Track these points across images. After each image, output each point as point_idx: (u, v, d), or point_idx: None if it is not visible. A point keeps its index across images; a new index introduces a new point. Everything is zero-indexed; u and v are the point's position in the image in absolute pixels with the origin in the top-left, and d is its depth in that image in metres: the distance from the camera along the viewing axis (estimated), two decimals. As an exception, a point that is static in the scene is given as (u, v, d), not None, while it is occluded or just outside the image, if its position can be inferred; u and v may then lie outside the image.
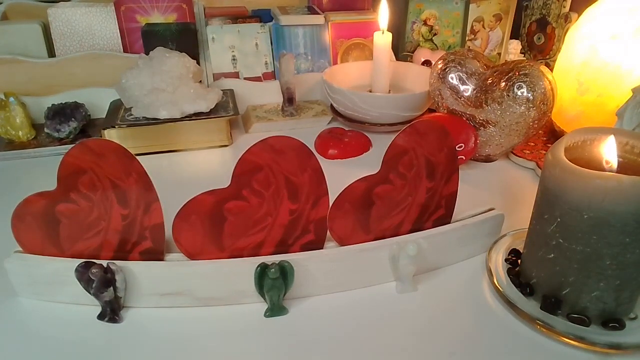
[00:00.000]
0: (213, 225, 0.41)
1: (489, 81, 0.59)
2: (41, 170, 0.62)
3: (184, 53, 0.67)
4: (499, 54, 0.94)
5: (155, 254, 0.42)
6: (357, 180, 0.42)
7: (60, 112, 0.67)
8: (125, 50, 0.77)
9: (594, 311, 0.38)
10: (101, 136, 0.64)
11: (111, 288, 0.39)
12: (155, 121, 0.64)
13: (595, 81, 0.60)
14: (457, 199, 0.46)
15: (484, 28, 0.91)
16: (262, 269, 0.40)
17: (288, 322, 0.41)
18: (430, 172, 0.44)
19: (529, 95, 0.56)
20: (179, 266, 0.41)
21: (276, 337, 0.39)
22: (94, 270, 0.38)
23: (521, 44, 0.93)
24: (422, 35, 0.88)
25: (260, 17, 0.84)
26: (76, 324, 0.40)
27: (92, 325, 0.40)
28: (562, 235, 0.37)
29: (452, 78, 0.63)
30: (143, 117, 0.65)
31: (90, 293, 0.39)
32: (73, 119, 0.67)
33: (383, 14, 0.72)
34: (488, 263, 0.45)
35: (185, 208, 0.40)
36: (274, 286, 0.40)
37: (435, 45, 0.89)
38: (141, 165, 0.40)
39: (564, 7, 0.84)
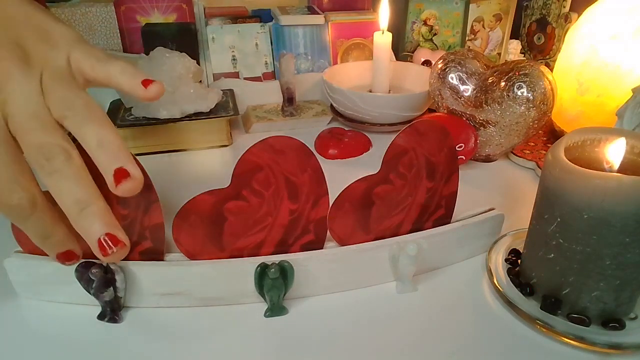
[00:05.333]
0: (213, 225, 0.41)
1: (489, 81, 0.59)
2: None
3: (184, 53, 0.67)
4: (499, 54, 0.94)
5: (155, 254, 0.42)
6: (357, 180, 0.42)
7: (60, 112, 0.67)
8: (125, 50, 0.77)
9: (594, 311, 0.38)
10: (101, 136, 0.64)
11: (111, 288, 0.39)
12: (156, 121, 0.64)
13: (595, 81, 0.60)
14: (457, 199, 0.46)
15: (484, 28, 0.91)
16: (262, 269, 0.40)
17: (288, 322, 0.41)
18: (430, 172, 0.44)
19: (529, 95, 0.56)
20: (179, 266, 0.41)
21: (276, 337, 0.39)
22: (94, 270, 0.38)
23: (521, 44, 0.93)
24: (422, 35, 0.88)
25: (260, 17, 0.84)
26: (76, 324, 0.40)
27: (92, 325, 0.40)
28: (562, 235, 0.37)
29: (452, 78, 0.62)
30: (143, 117, 0.65)
31: (90, 293, 0.39)
32: (73, 119, 0.67)
33: (383, 14, 0.72)
34: (488, 263, 0.45)
35: (185, 208, 0.40)
36: (274, 286, 0.40)
37: (435, 45, 0.89)
38: (141, 165, 0.40)
39: (564, 7, 0.84)
